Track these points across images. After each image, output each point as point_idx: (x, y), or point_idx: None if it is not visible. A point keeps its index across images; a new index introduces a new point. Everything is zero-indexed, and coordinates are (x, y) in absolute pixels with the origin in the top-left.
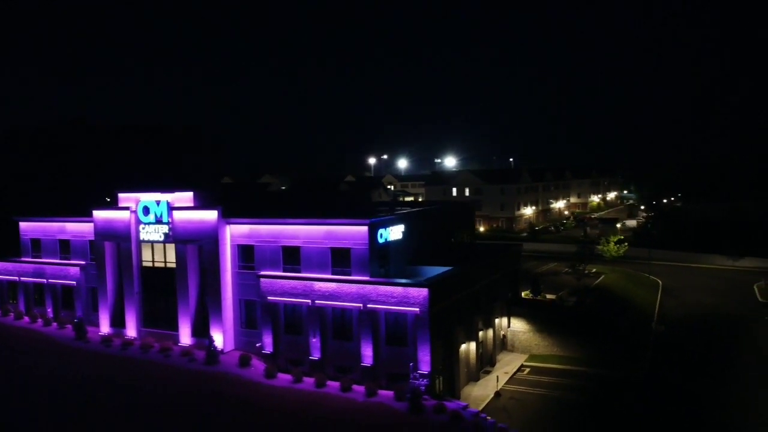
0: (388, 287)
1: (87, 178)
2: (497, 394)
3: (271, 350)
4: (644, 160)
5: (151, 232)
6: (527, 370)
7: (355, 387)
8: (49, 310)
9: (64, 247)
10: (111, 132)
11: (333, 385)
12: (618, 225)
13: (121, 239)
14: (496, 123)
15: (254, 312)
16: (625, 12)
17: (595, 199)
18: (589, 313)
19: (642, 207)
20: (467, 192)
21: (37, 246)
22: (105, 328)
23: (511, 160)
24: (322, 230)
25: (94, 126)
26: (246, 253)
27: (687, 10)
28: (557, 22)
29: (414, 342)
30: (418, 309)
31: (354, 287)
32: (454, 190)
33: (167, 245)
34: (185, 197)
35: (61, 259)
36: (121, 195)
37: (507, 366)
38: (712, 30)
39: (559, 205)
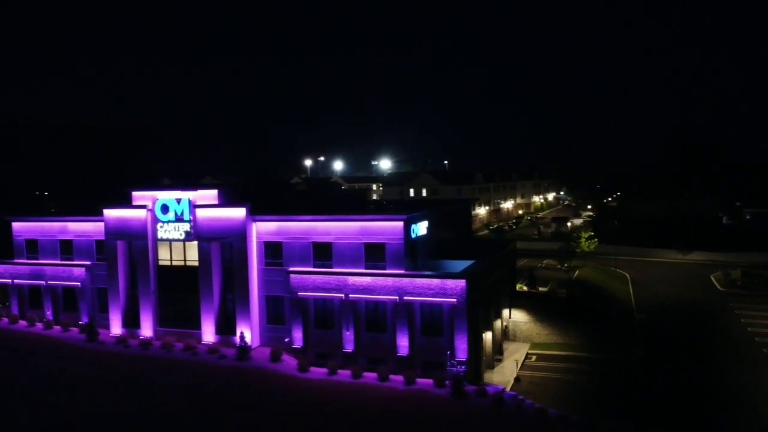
0: (426, 280)
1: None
2: (517, 379)
3: (302, 345)
4: (577, 163)
5: (171, 231)
6: (534, 357)
7: (391, 377)
8: (48, 312)
9: (66, 248)
10: (53, 130)
11: (369, 376)
12: (568, 224)
13: (136, 238)
14: (430, 125)
15: (281, 308)
16: (565, 14)
17: (537, 199)
18: (580, 304)
19: (590, 206)
20: (424, 192)
21: (33, 247)
22: (116, 329)
23: (445, 162)
24: (356, 226)
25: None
26: (273, 250)
27: (623, 14)
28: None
29: (450, 331)
30: (455, 300)
31: (390, 281)
32: (412, 190)
33: (187, 243)
34: (209, 195)
35: (62, 260)
36: (135, 193)
37: (514, 354)
38: (651, 35)
39: (508, 205)
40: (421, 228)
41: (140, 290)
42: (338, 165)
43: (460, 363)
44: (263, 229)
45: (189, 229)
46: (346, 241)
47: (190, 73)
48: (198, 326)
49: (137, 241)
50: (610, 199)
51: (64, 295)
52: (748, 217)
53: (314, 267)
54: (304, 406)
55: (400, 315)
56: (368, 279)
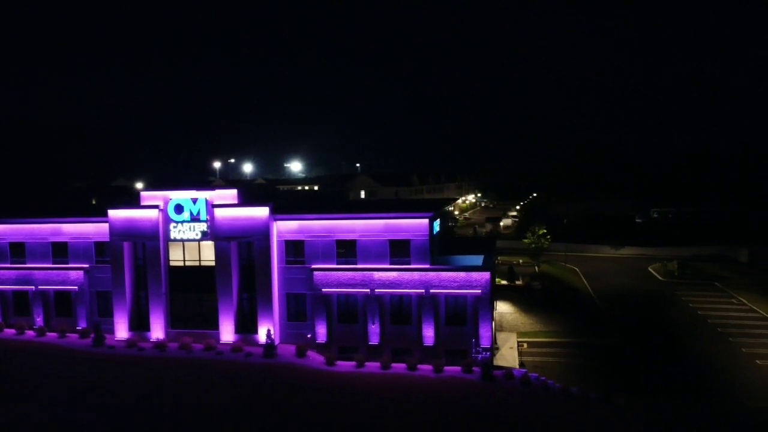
0: (452, 273)
1: None
2: (521, 364)
3: (325, 340)
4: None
5: (186, 231)
6: (525, 345)
7: (419, 366)
8: (38, 319)
9: (59, 251)
10: None
11: (397, 366)
12: (501, 224)
13: (147, 238)
14: (341, 128)
15: (302, 305)
16: (488, 16)
17: (461, 201)
18: (553, 295)
19: (518, 207)
20: (362, 194)
21: (18, 250)
22: (122, 332)
23: (357, 165)
24: (381, 224)
25: None
26: (294, 248)
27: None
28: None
29: (475, 320)
30: (480, 291)
31: (417, 275)
32: (351, 193)
33: (202, 243)
34: (228, 195)
35: (54, 264)
36: (144, 193)
37: (507, 342)
38: (575, 40)
39: None
40: (437, 225)
41: (150, 292)
42: (248, 167)
43: (485, 350)
44: (284, 227)
45: (206, 229)
46: (371, 238)
47: (122, 72)
48: (215, 326)
49: (148, 242)
50: (529, 200)
51: (57, 300)
52: (655, 215)
53: (338, 264)
54: (348, 397)
55: (426, 307)
56: (394, 274)
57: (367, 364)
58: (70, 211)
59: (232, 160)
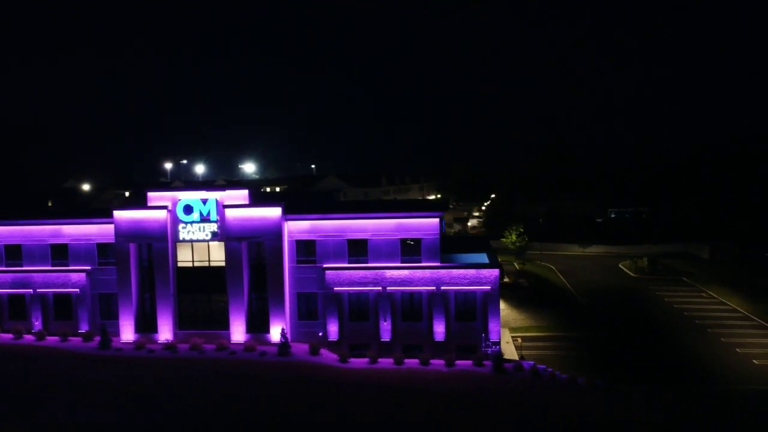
0: (462, 270)
1: None
2: (522, 357)
3: (337, 338)
4: (447, 166)
5: (195, 231)
6: (519, 339)
7: (431, 361)
8: (37, 323)
9: (59, 253)
10: None
11: (409, 362)
12: (468, 224)
13: (155, 239)
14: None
15: (313, 304)
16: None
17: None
18: (539, 292)
19: (483, 207)
20: None
21: (15, 253)
22: (128, 335)
23: (313, 166)
24: (393, 223)
25: None
26: (305, 248)
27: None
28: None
29: (484, 316)
30: (489, 287)
31: (428, 273)
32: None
33: (211, 244)
34: (239, 195)
35: (53, 266)
36: (151, 194)
37: (502, 337)
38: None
39: None
40: (443, 224)
41: (158, 293)
42: (200, 168)
43: (495, 344)
44: (295, 227)
45: (216, 230)
46: (383, 237)
47: (69, 71)
48: (225, 326)
49: (155, 243)
50: (491, 201)
51: (56, 304)
52: (613, 215)
53: (349, 263)
54: (365, 391)
55: (437, 304)
56: (406, 272)
57: (379, 360)
58: (70, 212)
59: (185, 161)
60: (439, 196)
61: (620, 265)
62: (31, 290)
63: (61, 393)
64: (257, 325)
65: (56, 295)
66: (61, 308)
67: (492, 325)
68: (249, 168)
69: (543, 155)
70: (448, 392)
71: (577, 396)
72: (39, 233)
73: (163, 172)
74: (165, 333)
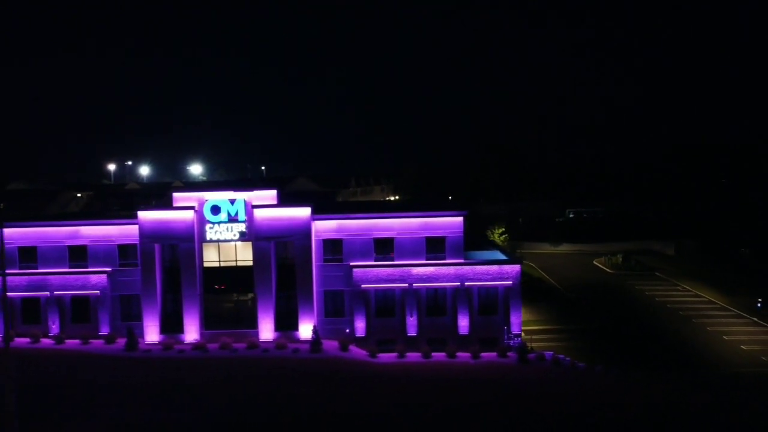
0: (485, 266)
1: None
2: (531, 349)
3: (364, 334)
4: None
5: (223, 232)
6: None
7: (457, 354)
8: (53, 326)
9: (77, 254)
10: None
11: (435, 355)
12: None
13: (181, 240)
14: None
15: (340, 301)
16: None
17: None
18: (530, 288)
19: None
20: None
21: (29, 255)
22: (153, 336)
23: (263, 168)
24: (418, 222)
25: None
26: (332, 247)
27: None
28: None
29: (506, 309)
30: (511, 282)
31: (452, 269)
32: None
33: (238, 243)
34: (267, 195)
35: (71, 268)
36: (176, 194)
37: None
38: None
39: None
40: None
41: (184, 293)
42: (144, 170)
43: (516, 336)
44: (322, 227)
45: (244, 230)
46: (408, 235)
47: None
48: (252, 325)
49: (182, 244)
50: (451, 201)
51: (74, 306)
52: (571, 215)
53: (375, 261)
54: (403, 383)
55: (461, 299)
56: (432, 269)
57: (407, 354)
58: (88, 213)
59: (129, 162)
60: (397, 197)
61: (595, 262)
62: (47, 293)
63: (108, 394)
64: (285, 323)
65: (74, 298)
66: (79, 311)
67: (514, 318)
68: (196, 169)
69: (499, 156)
70: (479, 381)
71: (596, 382)
72: (55, 234)
73: (106, 173)
74: (191, 333)
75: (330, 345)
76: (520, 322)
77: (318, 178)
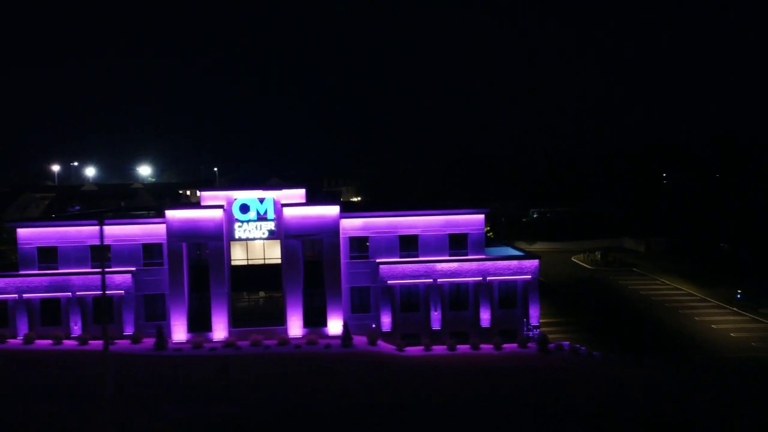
0: (506, 261)
1: None
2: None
3: (390, 329)
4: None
5: (251, 230)
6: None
7: (480, 346)
8: (75, 327)
9: (99, 254)
10: None
11: (460, 347)
12: None
13: (210, 239)
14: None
15: (366, 297)
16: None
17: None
18: None
19: None
20: None
21: (48, 255)
22: (180, 335)
23: (215, 169)
24: (441, 220)
25: None
26: (358, 244)
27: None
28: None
29: (525, 302)
30: (530, 276)
31: (475, 265)
32: None
33: (266, 242)
34: (296, 194)
35: (92, 268)
36: (204, 194)
37: None
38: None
39: None
40: None
41: (212, 292)
42: (90, 171)
43: (535, 327)
44: (348, 225)
45: (273, 228)
46: (432, 232)
47: None
48: (280, 322)
49: (210, 243)
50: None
51: (96, 307)
52: (535, 215)
53: (400, 257)
54: (434, 374)
55: (483, 293)
56: (455, 265)
57: (433, 348)
58: (110, 213)
59: (76, 163)
60: (359, 198)
61: (573, 259)
62: (69, 293)
63: (160, 391)
64: (313, 320)
65: (96, 298)
66: (100, 311)
67: (532, 311)
68: (144, 171)
69: (460, 157)
70: (506, 370)
71: (614, 368)
72: (77, 234)
73: (50, 175)
74: (220, 331)
75: (359, 340)
76: (538, 314)
77: (289, 179)
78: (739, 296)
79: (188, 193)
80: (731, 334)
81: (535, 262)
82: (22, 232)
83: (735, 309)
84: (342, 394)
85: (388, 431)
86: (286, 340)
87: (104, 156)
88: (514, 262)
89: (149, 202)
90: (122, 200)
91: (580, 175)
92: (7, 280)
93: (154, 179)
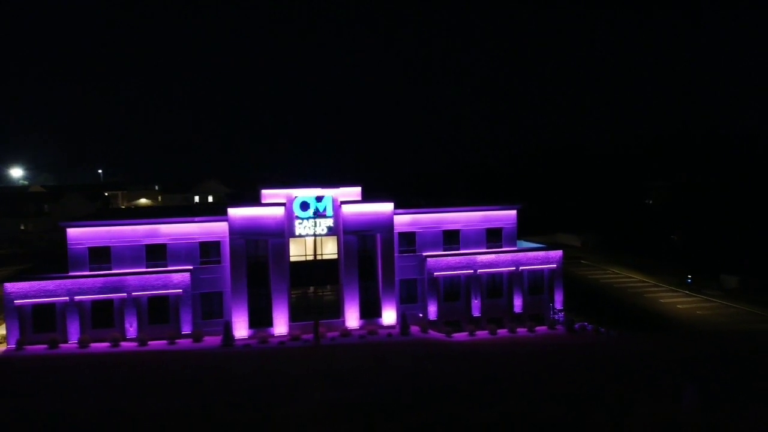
0: (535, 252)
1: None
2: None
3: (436, 317)
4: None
5: (310, 227)
6: None
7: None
8: (131, 329)
9: (155, 253)
10: None
11: (498, 332)
12: None
13: (271, 236)
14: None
15: (413, 288)
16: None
17: None
18: None
19: None
20: (210, 199)
21: (101, 256)
22: (242, 331)
23: (100, 171)
24: (480, 215)
25: None
26: (407, 239)
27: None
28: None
29: (550, 289)
30: (555, 265)
31: (509, 256)
32: (197, 197)
33: (323, 238)
34: (353, 192)
35: (148, 267)
36: (265, 191)
37: None
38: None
39: None
40: None
41: (273, 288)
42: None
43: (560, 311)
44: (398, 221)
45: (331, 224)
46: (471, 227)
47: None
48: (337, 315)
49: (271, 239)
50: None
51: (151, 307)
52: None
53: (444, 251)
54: (483, 357)
55: (515, 282)
56: (493, 256)
57: (476, 333)
58: (166, 211)
59: None
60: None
61: None
62: (124, 294)
63: (267, 384)
64: (368, 311)
65: (151, 298)
66: (156, 311)
67: (557, 296)
68: (16, 173)
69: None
70: (545, 348)
71: (630, 342)
72: (132, 234)
73: None
74: (280, 326)
75: (412, 329)
76: (562, 299)
77: (228, 180)
78: (689, 281)
79: (107, 193)
80: (698, 312)
81: (560, 253)
82: (73, 232)
83: (686, 292)
84: (446, 373)
85: (513, 396)
86: (347, 332)
87: None
88: (542, 253)
89: (82, 206)
90: (45, 204)
91: (510, 174)
92: (57, 282)
93: (26, 182)
